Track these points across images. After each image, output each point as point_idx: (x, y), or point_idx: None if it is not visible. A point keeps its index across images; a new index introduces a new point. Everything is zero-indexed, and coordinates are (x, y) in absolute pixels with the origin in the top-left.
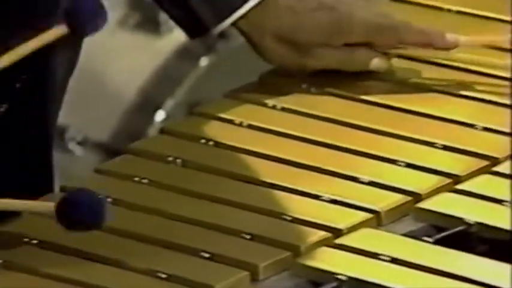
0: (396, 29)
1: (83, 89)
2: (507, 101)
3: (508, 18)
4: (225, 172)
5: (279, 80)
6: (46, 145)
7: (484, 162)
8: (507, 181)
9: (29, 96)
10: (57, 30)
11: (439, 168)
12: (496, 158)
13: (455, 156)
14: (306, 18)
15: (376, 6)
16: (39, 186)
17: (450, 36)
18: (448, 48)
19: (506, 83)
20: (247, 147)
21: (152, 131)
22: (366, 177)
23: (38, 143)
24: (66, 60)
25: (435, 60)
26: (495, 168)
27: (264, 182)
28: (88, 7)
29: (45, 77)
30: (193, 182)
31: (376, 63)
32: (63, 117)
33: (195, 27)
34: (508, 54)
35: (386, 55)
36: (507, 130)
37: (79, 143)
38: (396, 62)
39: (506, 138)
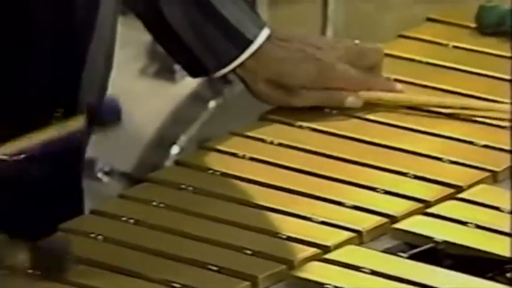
0: (367, 81)
1: (109, 128)
2: (470, 139)
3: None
4: (230, 198)
5: (275, 120)
6: (78, 171)
7: (450, 190)
8: (470, 206)
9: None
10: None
11: (411, 195)
12: (460, 187)
13: (425, 184)
14: (293, 68)
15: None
16: (72, 209)
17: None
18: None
19: (469, 123)
20: (248, 176)
21: (168, 163)
22: (350, 202)
23: (71, 168)
24: (96, 97)
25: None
26: (460, 195)
27: (263, 206)
28: None
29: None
30: (202, 206)
31: (351, 101)
32: (93, 151)
33: (198, 71)
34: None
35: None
36: (470, 163)
37: (106, 173)
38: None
39: (469, 169)
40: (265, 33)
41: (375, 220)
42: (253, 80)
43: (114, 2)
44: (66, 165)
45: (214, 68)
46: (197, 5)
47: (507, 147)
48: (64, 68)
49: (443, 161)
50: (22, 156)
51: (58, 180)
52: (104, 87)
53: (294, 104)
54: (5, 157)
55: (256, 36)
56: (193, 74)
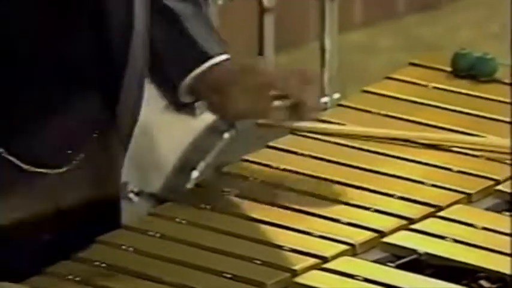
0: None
1: (139, 155)
2: (448, 165)
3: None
4: (242, 215)
5: (279, 149)
6: (117, 193)
7: (431, 209)
8: (448, 223)
9: (101, 146)
10: None
11: (398, 213)
12: (440, 206)
13: (409, 204)
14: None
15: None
16: (110, 225)
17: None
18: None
19: (446, 152)
20: (257, 197)
21: (189, 186)
22: (345, 219)
23: (110, 187)
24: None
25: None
26: (439, 214)
27: (270, 222)
28: None
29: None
30: (218, 222)
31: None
32: (125, 176)
33: (164, 79)
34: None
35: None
36: (447, 186)
37: (136, 194)
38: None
39: (447, 192)
40: (225, 56)
41: (366, 235)
42: (204, 90)
43: (145, 35)
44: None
45: (178, 76)
46: (172, 25)
47: (479, 173)
48: (103, 95)
49: (425, 184)
50: (65, 169)
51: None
52: (136, 114)
53: (229, 110)
54: (46, 170)
55: (217, 55)
56: (159, 83)
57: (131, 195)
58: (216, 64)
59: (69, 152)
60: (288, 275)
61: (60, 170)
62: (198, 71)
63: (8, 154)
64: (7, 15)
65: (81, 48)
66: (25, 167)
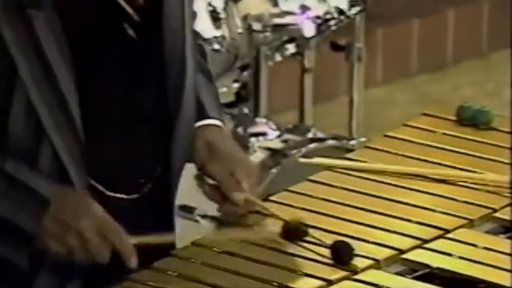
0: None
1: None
2: (454, 196)
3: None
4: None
5: (317, 182)
6: (171, 217)
7: (440, 232)
8: (454, 243)
9: (163, 178)
10: None
11: (414, 235)
12: (448, 230)
13: (423, 227)
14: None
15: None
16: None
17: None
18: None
19: (452, 185)
20: (309, 221)
21: None
22: (371, 239)
23: (166, 212)
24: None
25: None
26: (447, 236)
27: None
28: None
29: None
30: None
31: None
32: (193, 201)
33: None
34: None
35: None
36: (454, 213)
37: (202, 216)
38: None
39: (453, 218)
40: (219, 123)
41: (389, 252)
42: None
43: (193, 87)
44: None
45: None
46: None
47: (480, 203)
48: (162, 137)
49: (436, 211)
50: (137, 195)
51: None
52: (188, 152)
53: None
54: (124, 196)
55: (213, 118)
56: None
57: (198, 217)
58: (211, 124)
59: (141, 181)
60: (325, 283)
61: (134, 196)
62: (197, 124)
63: (94, 181)
64: (93, 77)
65: (148, 100)
66: (107, 192)
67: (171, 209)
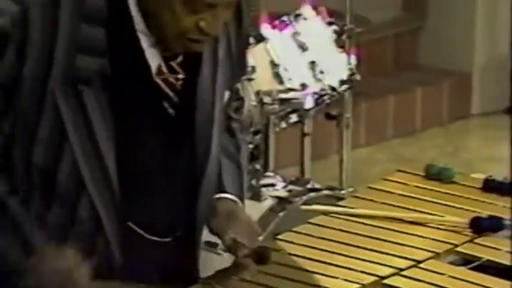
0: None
1: None
2: (425, 235)
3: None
4: (300, 268)
5: (319, 225)
6: (196, 256)
7: (415, 262)
8: (425, 272)
9: (191, 225)
10: None
11: (394, 265)
12: (420, 260)
13: (400, 260)
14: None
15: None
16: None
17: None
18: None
19: (424, 227)
20: (305, 254)
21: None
22: (358, 269)
23: (192, 252)
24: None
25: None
26: (420, 265)
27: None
28: None
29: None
30: (279, 275)
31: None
32: (213, 238)
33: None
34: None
35: None
36: (426, 248)
37: (224, 251)
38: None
39: (425, 252)
40: (235, 198)
41: (372, 278)
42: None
43: (218, 151)
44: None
45: None
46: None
47: (444, 240)
48: (191, 189)
49: (410, 247)
50: (170, 239)
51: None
52: (212, 205)
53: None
54: (157, 239)
55: (230, 193)
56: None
57: (220, 251)
58: (222, 198)
59: (173, 225)
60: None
61: (167, 240)
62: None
63: (135, 225)
64: (133, 143)
65: (181, 163)
66: (146, 235)
67: (196, 249)
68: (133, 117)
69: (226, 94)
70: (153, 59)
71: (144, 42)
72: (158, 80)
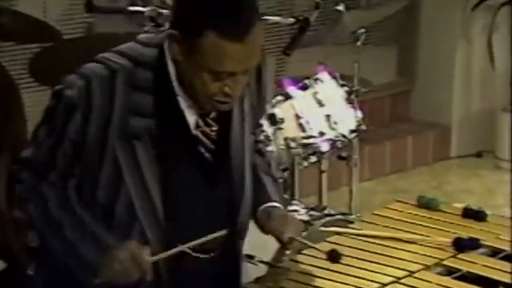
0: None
1: (261, 242)
2: (420, 251)
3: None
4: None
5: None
6: (238, 269)
7: (408, 273)
8: (418, 281)
9: (232, 242)
10: None
11: (391, 274)
12: (413, 271)
13: (396, 271)
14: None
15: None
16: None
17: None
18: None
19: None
20: (314, 272)
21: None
22: (364, 277)
23: (233, 266)
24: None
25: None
26: (413, 275)
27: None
28: None
29: (238, 233)
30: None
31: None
32: (253, 251)
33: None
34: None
35: None
36: (417, 261)
37: (259, 262)
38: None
39: (417, 265)
40: (281, 205)
41: (375, 285)
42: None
43: (251, 181)
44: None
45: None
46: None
47: (432, 255)
48: (230, 217)
49: (405, 260)
50: (212, 255)
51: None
52: (247, 226)
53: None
54: (201, 255)
55: (275, 201)
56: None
57: (256, 262)
58: (272, 206)
59: (215, 245)
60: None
61: (209, 256)
62: (262, 207)
63: (181, 245)
64: (177, 182)
65: (220, 195)
66: (193, 254)
67: (237, 260)
68: (176, 163)
69: (251, 137)
70: (191, 116)
71: (183, 103)
72: (196, 132)
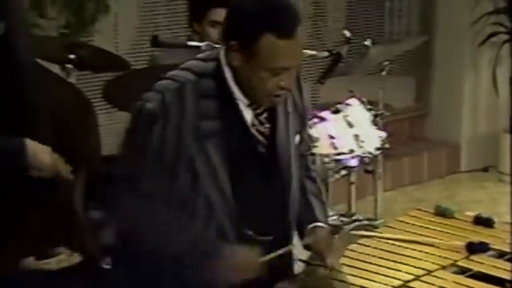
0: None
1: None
2: (435, 253)
3: None
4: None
5: (360, 244)
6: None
7: (427, 272)
8: (435, 279)
9: (284, 229)
10: None
11: (412, 272)
12: (431, 270)
13: (416, 269)
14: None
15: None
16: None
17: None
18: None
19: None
20: (357, 265)
21: None
22: (388, 275)
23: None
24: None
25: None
26: (432, 274)
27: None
28: None
29: (289, 221)
30: None
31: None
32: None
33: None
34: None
35: None
36: (434, 261)
37: (299, 260)
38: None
39: (433, 265)
40: (326, 226)
41: (398, 282)
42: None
43: (297, 175)
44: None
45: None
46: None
47: (447, 256)
48: (281, 208)
49: (423, 261)
50: (270, 238)
51: None
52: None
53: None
54: (262, 238)
55: (320, 221)
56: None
57: (296, 259)
58: (318, 226)
59: (271, 227)
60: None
61: (268, 238)
62: (309, 226)
63: (248, 230)
64: (241, 175)
65: (275, 186)
66: (255, 236)
67: (288, 244)
68: (239, 158)
69: (297, 137)
70: (248, 116)
71: (241, 105)
72: (253, 131)
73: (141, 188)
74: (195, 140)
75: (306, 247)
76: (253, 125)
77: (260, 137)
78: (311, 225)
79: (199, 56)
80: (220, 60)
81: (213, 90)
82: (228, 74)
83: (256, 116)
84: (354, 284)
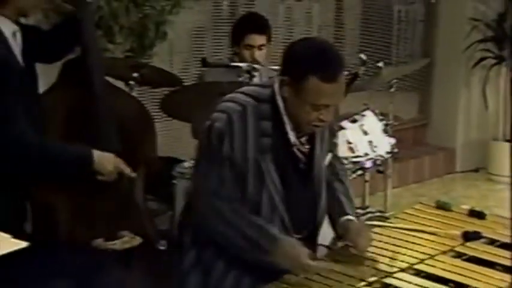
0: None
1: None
2: (436, 240)
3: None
4: None
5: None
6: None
7: (428, 256)
8: (436, 262)
9: (313, 228)
10: None
11: (416, 256)
12: (432, 255)
13: (417, 254)
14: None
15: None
16: None
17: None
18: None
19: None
20: (372, 250)
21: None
22: (396, 258)
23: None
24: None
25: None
26: (434, 257)
27: None
28: None
29: (318, 221)
30: None
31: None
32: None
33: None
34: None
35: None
36: (435, 247)
37: (320, 245)
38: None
39: (435, 250)
40: (352, 217)
41: (406, 264)
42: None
43: (326, 188)
44: None
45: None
46: (332, 194)
47: (446, 243)
48: (311, 210)
49: (427, 247)
50: (301, 236)
51: None
52: (323, 218)
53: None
54: (298, 235)
55: (350, 215)
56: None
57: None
58: (348, 220)
59: (304, 226)
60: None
61: (300, 236)
62: (340, 220)
63: (290, 227)
64: (289, 187)
65: (310, 192)
66: (293, 234)
67: (316, 242)
68: (285, 169)
69: (329, 156)
70: (292, 137)
71: (288, 128)
72: (295, 150)
73: (220, 197)
74: (256, 153)
75: (339, 237)
76: (296, 145)
77: (300, 156)
78: (343, 219)
79: (257, 82)
80: (274, 89)
81: (269, 114)
82: (280, 102)
83: (298, 137)
84: (369, 266)
